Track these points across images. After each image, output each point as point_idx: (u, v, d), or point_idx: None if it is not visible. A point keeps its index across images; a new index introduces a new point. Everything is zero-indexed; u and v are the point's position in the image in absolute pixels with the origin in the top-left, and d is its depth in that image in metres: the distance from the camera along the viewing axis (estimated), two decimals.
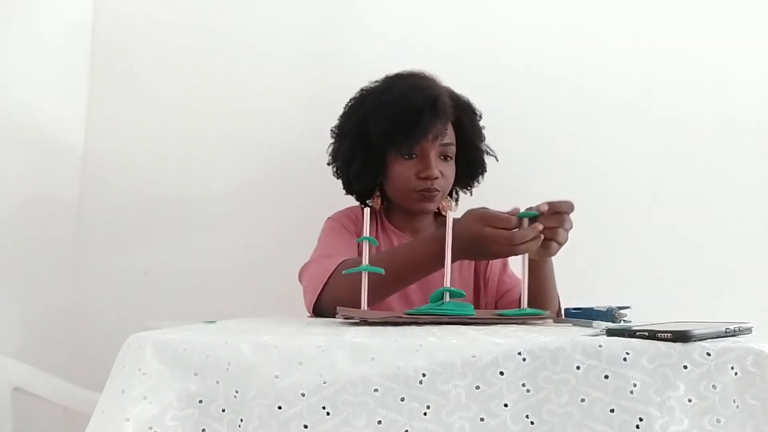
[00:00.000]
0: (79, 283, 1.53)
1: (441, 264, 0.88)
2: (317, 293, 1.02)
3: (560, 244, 0.92)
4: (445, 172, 1.18)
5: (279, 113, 1.56)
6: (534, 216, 0.89)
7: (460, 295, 0.85)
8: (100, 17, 1.59)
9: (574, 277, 1.47)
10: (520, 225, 0.88)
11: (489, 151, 1.29)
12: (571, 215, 0.91)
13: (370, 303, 0.89)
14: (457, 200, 1.34)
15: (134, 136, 1.56)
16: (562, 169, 1.54)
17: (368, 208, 0.89)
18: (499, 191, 1.50)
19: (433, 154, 1.16)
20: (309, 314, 1.08)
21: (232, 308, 1.40)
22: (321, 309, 1.03)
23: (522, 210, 0.89)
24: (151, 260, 1.53)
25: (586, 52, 1.57)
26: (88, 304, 1.52)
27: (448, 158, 1.19)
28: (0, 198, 1.30)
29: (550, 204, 0.90)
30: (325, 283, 1.01)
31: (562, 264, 1.50)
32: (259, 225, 1.53)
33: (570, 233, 0.92)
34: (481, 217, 0.90)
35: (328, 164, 1.29)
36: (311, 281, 1.05)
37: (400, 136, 1.14)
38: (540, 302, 1.02)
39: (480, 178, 1.31)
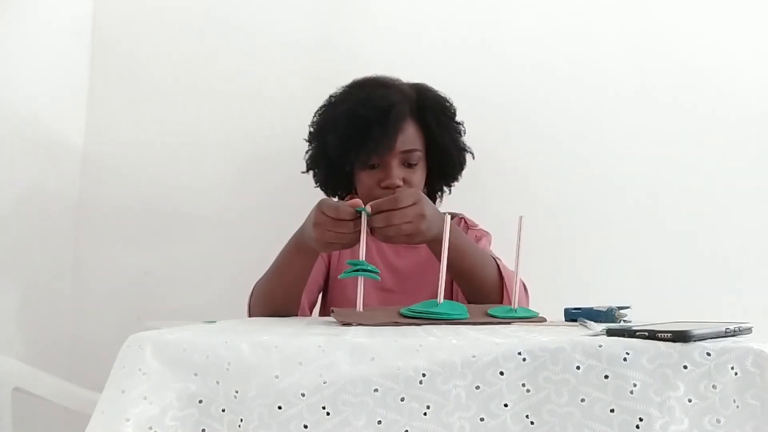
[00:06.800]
0: (79, 282, 1.53)
1: (303, 256, 1.01)
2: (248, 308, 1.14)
3: (398, 236, 0.89)
4: (409, 178, 1.17)
5: (281, 112, 1.55)
6: (368, 213, 0.88)
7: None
8: (100, 17, 1.59)
9: (574, 277, 1.48)
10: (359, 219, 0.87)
11: (466, 147, 1.27)
12: (413, 204, 0.88)
13: (282, 308, 1.07)
14: (441, 199, 1.33)
15: (134, 135, 1.56)
16: (561, 167, 1.53)
17: (364, 213, 0.88)
18: (498, 190, 1.51)
19: (395, 163, 1.16)
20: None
21: (232, 308, 1.40)
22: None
23: (365, 206, 0.88)
24: (151, 260, 1.53)
25: (586, 49, 1.56)
26: (88, 304, 1.52)
27: (413, 165, 1.18)
28: (0, 197, 1.30)
29: (373, 205, 0.89)
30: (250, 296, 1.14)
31: (563, 264, 1.51)
32: (260, 224, 1.53)
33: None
34: (319, 203, 0.91)
35: (303, 173, 1.30)
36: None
37: (353, 151, 1.14)
38: (471, 274, 1.00)
39: (458, 176, 1.29)
